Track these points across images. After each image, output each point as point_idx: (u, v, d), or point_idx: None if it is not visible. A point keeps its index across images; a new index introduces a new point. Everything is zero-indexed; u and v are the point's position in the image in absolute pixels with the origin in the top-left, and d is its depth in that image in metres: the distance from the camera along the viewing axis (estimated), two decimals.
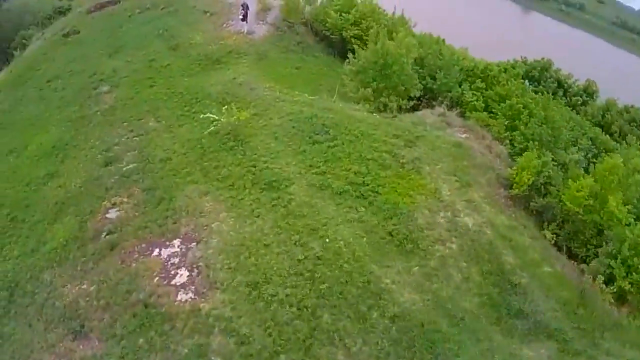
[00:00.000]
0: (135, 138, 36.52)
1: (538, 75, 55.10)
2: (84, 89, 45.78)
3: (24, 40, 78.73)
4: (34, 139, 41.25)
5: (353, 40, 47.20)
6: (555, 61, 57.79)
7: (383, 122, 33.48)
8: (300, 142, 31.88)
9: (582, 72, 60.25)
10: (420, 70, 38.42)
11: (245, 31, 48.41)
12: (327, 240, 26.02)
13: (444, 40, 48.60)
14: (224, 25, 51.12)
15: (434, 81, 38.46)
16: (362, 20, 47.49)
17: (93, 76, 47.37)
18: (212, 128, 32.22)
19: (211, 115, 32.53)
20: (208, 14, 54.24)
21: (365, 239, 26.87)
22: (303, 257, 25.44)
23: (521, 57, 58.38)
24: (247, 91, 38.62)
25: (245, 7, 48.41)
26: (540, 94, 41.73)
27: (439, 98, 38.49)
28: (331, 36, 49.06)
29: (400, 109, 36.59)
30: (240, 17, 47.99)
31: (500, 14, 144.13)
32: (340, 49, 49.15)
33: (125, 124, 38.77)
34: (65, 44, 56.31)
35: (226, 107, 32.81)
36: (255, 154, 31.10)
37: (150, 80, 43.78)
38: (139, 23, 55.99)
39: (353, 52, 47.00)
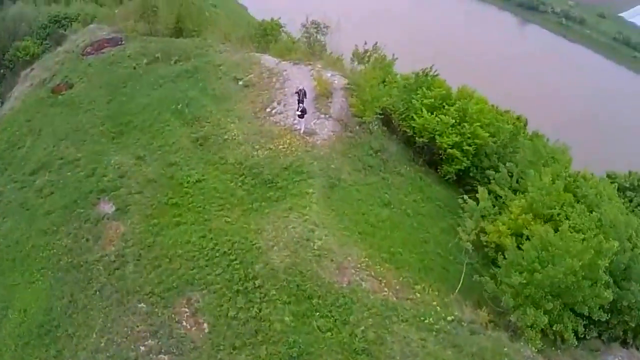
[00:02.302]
0: (162, 357, 21.20)
1: None
2: (79, 201, 30.47)
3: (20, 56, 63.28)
4: (16, 295, 27.38)
5: (450, 149, 31.99)
6: None
7: None
8: None
9: None
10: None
11: (302, 130, 32.61)
12: None
13: None
14: (268, 109, 35.33)
15: (620, 289, 23.42)
16: (465, 123, 32.13)
17: (91, 177, 32.21)
18: None
19: None
20: (241, 83, 37.88)
21: None
22: None
23: None
24: (334, 275, 23.65)
25: (301, 95, 32.76)
26: None
27: (625, 318, 23.57)
28: (418, 139, 33.43)
29: (577, 338, 21.76)
30: (298, 112, 32.21)
31: (498, 27, 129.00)
32: (430, 155, 34.44)
33: (142, 306, 24.18)
34: (54, 105, 40.07)
35: None
36: None
37: (175, 209, 28.87)
38: (148, 83, 39.81)
39: (448, 160, 33.02)
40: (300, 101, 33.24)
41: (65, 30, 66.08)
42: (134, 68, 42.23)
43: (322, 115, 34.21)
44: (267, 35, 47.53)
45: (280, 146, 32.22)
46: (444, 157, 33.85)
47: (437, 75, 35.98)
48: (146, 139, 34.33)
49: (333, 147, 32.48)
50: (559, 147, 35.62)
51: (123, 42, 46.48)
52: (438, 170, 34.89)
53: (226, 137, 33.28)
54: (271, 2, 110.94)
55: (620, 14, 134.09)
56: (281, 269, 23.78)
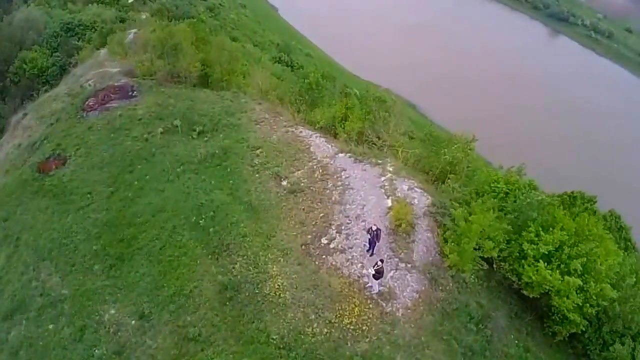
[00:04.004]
0: None
1: None
2: None
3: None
4: None
5: (571, 313, 20.61)
6: None
7: None
8: None
9: None
10: None
11: (376, 290, 20.85)
12: None
13: None
14: (324, 239, 23.76)
15: None
16: (589, 277, 21.12)
17: (78, 342, 21.62)
18: None
19: None
20: (284, 184, 26.07)
21: None
22: None
23: None
24: None
25: (374, 237, 20.96)
26: None
27: None
28: (526, 290, 22.35)
29: None
30: (372, 271, 20.39)
31: (528, 35, 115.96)
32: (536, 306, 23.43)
33: None
34: (39, 193, 28.42)
35: None
36: None
37: None
38: (162, 171, 28.28)
39: (561, 320, 22.33)
40: (372, 245, 21.59)
41: (78, 40, 54.20)
42: (146, 139, 30.30)
43: (402, 264, 22.28)
44: (312, 89, 35.25)
45: (346, 319, 20.62)
46: (556, 316, 22.28)
47: (552, 204, 23.85)
48: (153, 278, 22.79)
49: (420, 322, 20.80)
50: None
51: (135, 94, 34.30)
52: (545, 324, 23.35)
53: (267, 290, 21.64)
54: (299, 3, 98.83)
55: None
56: None
